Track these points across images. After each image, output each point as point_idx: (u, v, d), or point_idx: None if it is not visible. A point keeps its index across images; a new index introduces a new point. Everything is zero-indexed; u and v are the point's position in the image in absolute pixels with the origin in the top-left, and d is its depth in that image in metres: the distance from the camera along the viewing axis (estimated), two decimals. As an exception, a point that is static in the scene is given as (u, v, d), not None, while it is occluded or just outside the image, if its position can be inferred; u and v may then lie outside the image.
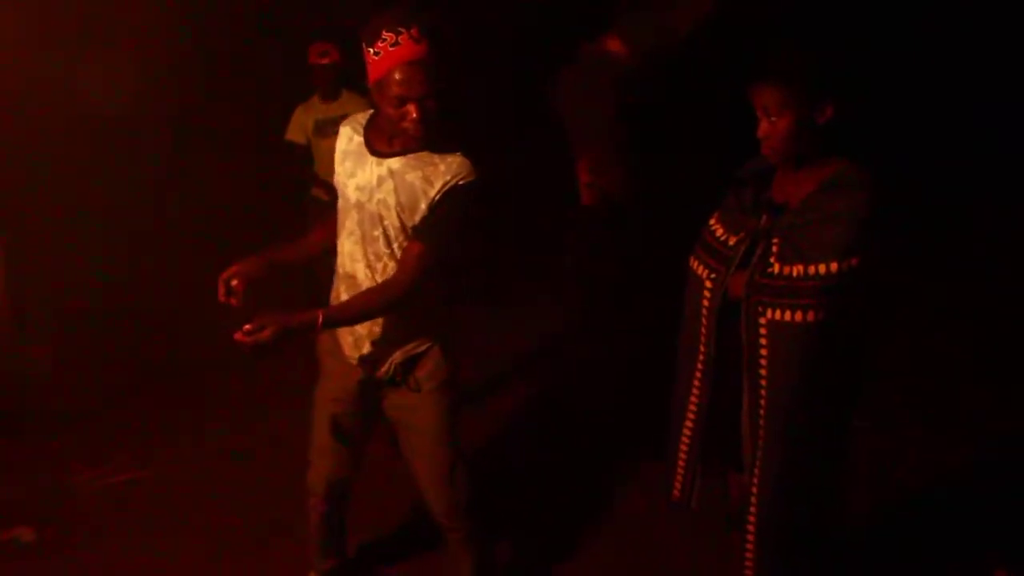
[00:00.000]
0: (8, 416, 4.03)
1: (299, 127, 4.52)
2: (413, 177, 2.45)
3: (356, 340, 2.64)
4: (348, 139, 2.60)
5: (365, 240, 2.53)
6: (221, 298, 2.49)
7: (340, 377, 2.74)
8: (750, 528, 2.42)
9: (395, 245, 2.51)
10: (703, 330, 2.44)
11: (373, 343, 2.62)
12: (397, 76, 2.30)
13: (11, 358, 4.25)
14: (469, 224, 2.50)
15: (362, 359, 2.65)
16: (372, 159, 2.50)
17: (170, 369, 4.54)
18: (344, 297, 2.60)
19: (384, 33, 2.29)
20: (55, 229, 4.81)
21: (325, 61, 4.37)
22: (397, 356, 2.63)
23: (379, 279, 2.52)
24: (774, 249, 2.30)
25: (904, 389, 4.09)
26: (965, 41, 6.07)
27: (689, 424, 2.53)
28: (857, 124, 2.52)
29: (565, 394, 4.35)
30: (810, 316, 2.23)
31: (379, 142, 2.50)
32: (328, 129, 4.24)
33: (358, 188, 2.52)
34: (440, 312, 2.66)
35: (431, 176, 2.44)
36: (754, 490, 2.39)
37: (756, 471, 2.38)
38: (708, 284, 2.42)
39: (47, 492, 3.60)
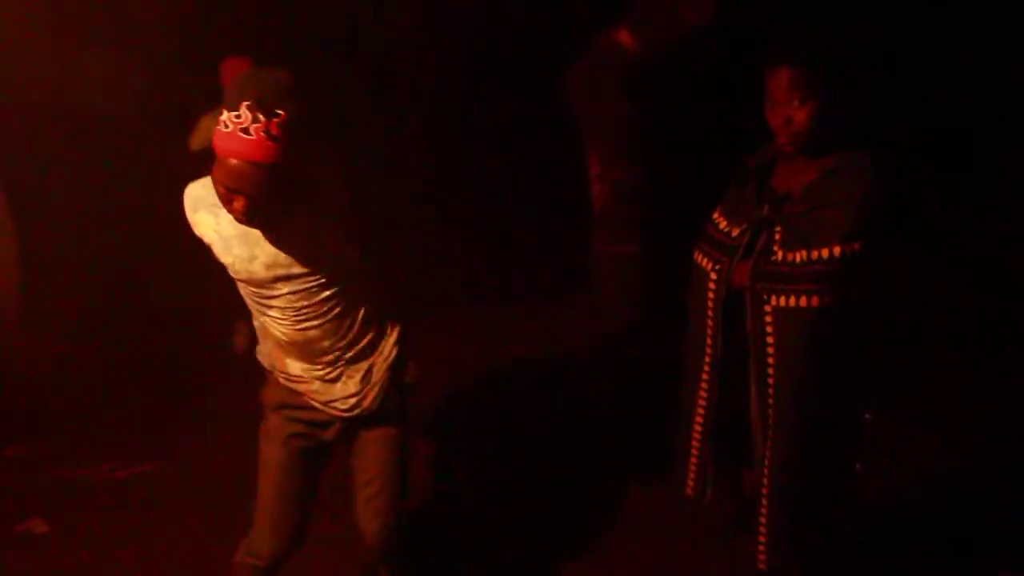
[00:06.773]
0: (21, 412, 4.08)
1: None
2: (314, 227, 2.14)
3: (320, 387, 2.37)
4: (215, 224, 2.19)
5: (310, 311, 2.24)
6: None
7: (299, 402, 2.41)
8: (762, 521, 2.38)
9: (355, 289, 2.27)
10: (710, 322, 2.43)
11: (344, 392, 2.37)
12: (231, 163, 1.95)
13: (22, 356, 4.33)
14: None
15: (328, 405, 2.39)
16: (262, 233, 2.15)
17: (173, 366, 4.58)
18: (294, 366, 2.34)
19: (242, 108, 1.94)
20: (62, 228, 4.87)
21: None
22: (372, 393, 2.39)
23: (349, 333, 2.31)
24: (777, 237, 2.30)
25: (902, 387, 4.06)
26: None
27: (700, 419, 2.51)
28: (865, 112, 2.50)
29: (569, 392, 4.33)
30: (814, 301, 2.23)
31: None
32: None
33: (269, 266, 2.18)
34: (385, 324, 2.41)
35: (325, 221, 2.15)
36: (765, 480, 2.36)
37: (767, 463, 2.35)
38: (713, 276, 2.41)
39: (58, 486, 3.64)
